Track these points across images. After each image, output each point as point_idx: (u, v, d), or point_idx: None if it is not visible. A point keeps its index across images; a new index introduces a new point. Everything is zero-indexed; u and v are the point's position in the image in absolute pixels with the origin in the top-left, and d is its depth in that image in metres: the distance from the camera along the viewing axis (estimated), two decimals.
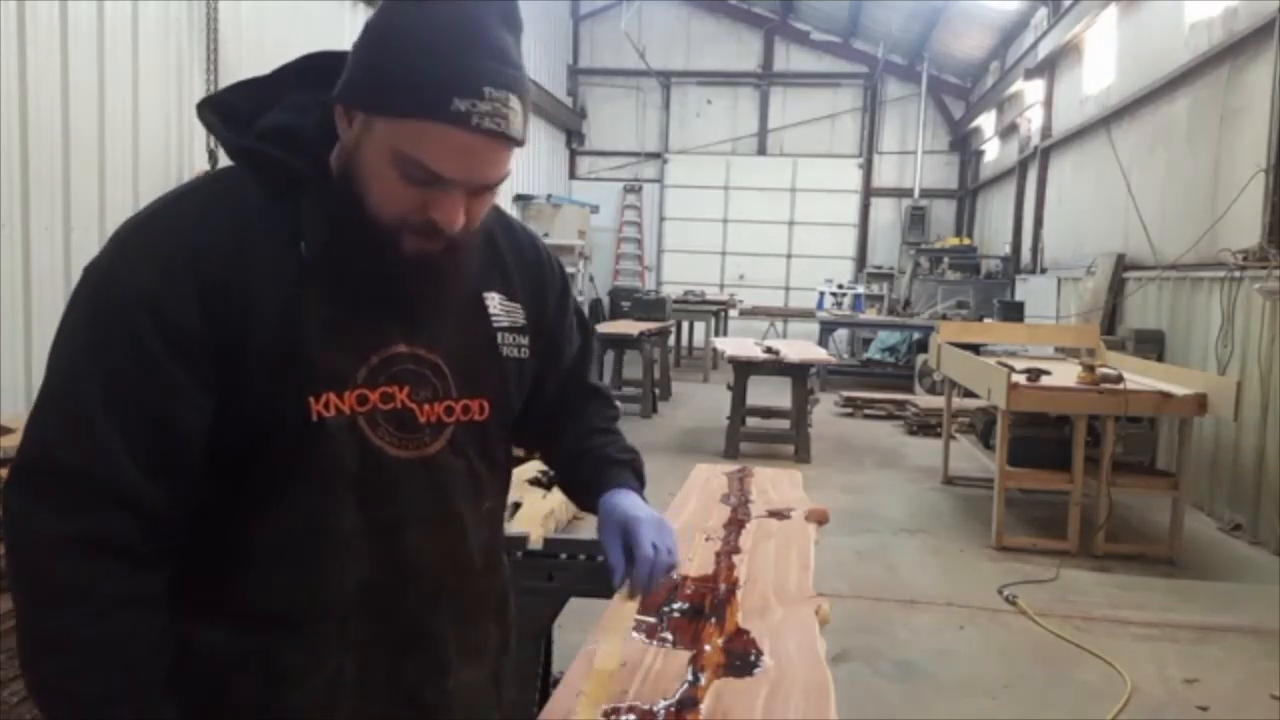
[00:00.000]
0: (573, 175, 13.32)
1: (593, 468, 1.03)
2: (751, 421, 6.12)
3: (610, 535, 0.96)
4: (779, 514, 1.90)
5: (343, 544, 0.83)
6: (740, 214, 13.13)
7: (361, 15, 6.58)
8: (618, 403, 1.16)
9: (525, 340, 0.96)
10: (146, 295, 0.76)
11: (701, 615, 1.32)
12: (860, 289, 10.55)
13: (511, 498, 3.26)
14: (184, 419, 0.77)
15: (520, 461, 3.72)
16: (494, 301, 0.94)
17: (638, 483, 1.04)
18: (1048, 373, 4.13)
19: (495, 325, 0.93)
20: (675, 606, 1.34)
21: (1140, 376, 4.15)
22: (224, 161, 0.88)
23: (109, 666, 0.74)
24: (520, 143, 0.79)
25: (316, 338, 0.80)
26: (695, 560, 1.58)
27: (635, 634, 1.22)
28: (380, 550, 0.85)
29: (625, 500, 0.99)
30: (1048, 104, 8.82)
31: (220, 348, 0.77)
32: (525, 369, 0.96)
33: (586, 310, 1.11)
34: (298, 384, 0.79)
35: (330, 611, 0.84)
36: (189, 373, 0.77)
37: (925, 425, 6.69)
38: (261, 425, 0.80)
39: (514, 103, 0.76)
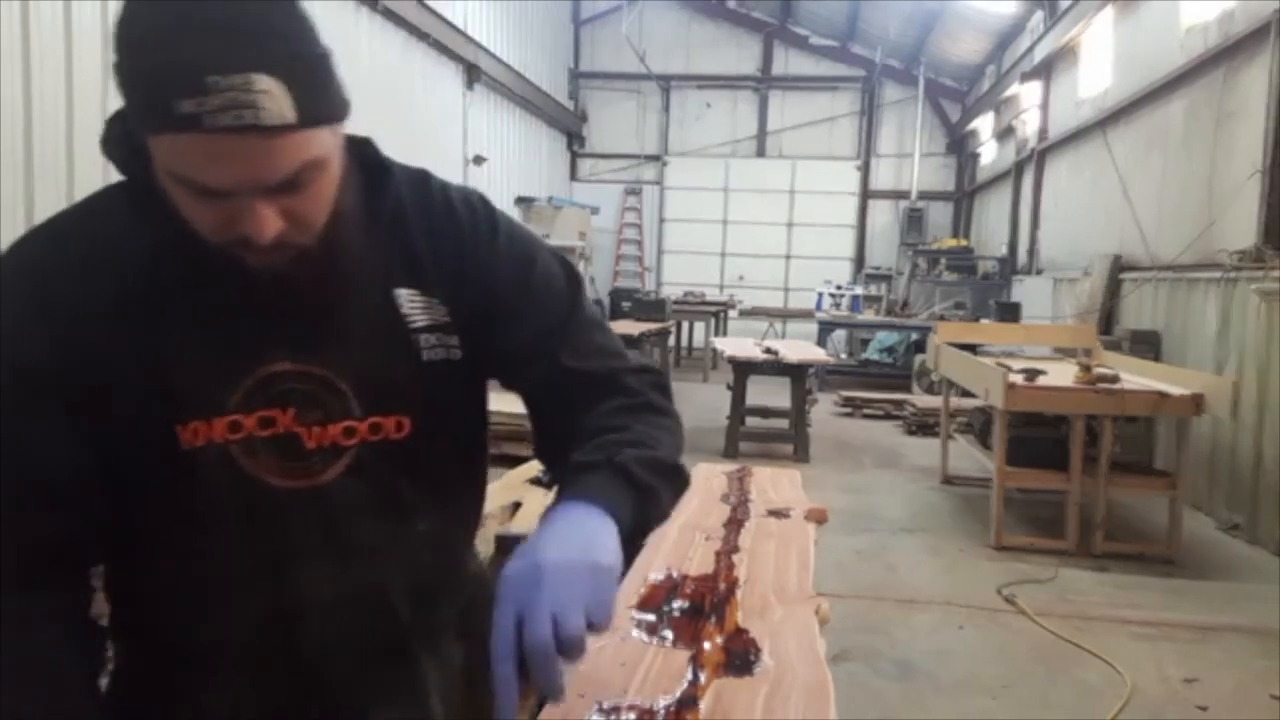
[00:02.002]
0: (573, 177, 13.33)
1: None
2: (751, 421, 6.13)
3: (499, 599, 0.66)
4: (779, 513, 1.91)
5: (228, 583, 0.78)
6: (739, 216, 13.14)
7: (365, 16, 6.59)
8: (644, 371, 0.85)
9: (453, 338, 0.82)
10: (2, 334, 0.72)
11: (701, 614, 1.33)
12: (858, 290, 10.57)
13: (512, 497, 3.27)
14: (54, 454, 0.73)
15: (519, 462, 3.72)
16: (405, 299, 0.80)
17: (608, 482, 0.73)
18: (1045, 373, 4.14)
19: (411, 327, 0.80)
20: (675, 606, 1.35)
21: (1137, 376, 4.16)
22: None
23: (10, 686, 0.70)
24: (295, 125, 0.64)
25: (181, 362, 0.73)
26: (695, 560, 1.58)
27: (635, 633, 1.23)
28: (270, 589, 0.78)
29: (541, 537, 0.69)
30: (1044, 107, 8.83)
31: (81, 382, 0.73)
32: (459, 371, 0.82)
33: None
34: (164, 413, 0.74)
35: (225, 651, 0.80)
36: (51, 409, 0.73)
37: (923, 425, 6.70)
38: (133, 459, 0.75)
39: (262, 83, 0.62)
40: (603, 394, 0.83)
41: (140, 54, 0.63)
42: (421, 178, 0.85)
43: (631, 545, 0.74)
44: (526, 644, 0.63)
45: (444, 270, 0.82)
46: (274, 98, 0.62)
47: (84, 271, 0.74)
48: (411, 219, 0.82)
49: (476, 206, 0.85)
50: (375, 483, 0.80)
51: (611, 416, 0.81)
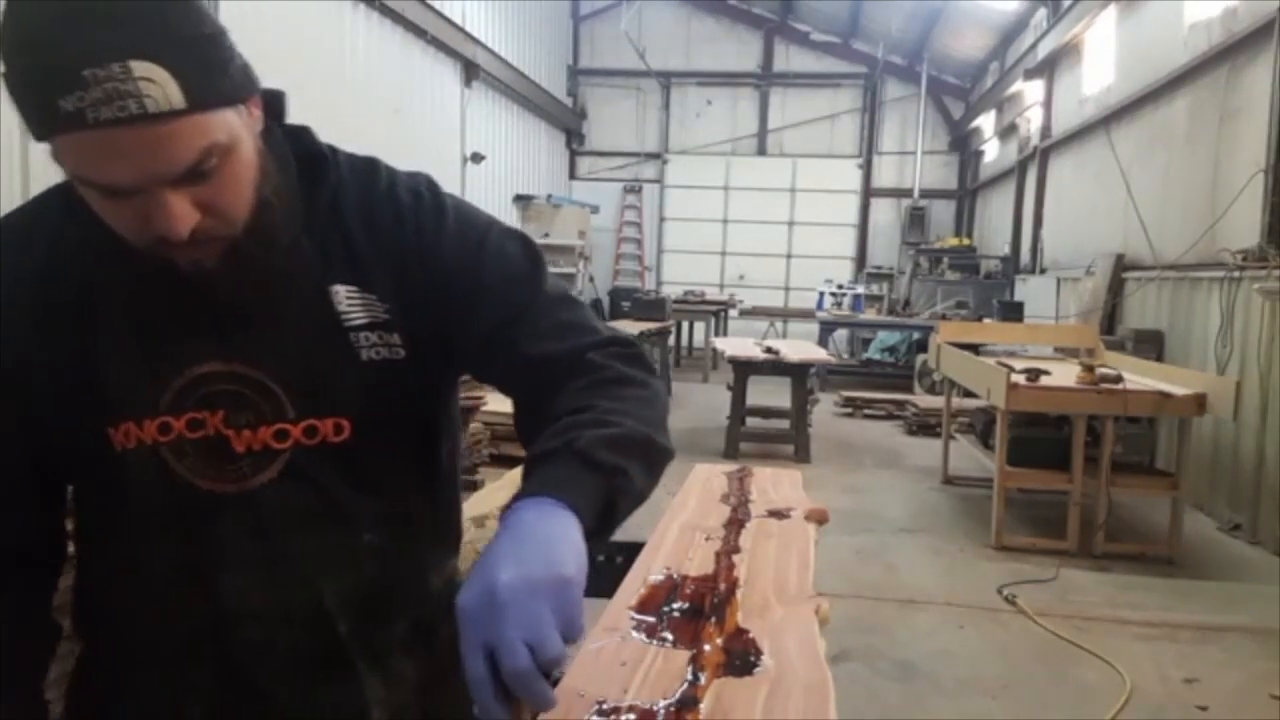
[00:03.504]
0: (573, 175, 13.32)
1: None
2: (751, 421, 6.12)
3: (461, 634, 0.59)
4: (779, 514, 1.90)
5: (158, 587, 0.77)
6: (740, 214, 13.13)
7: (362, 15, 6.58)
8: (613, 343, 0.78)
9: (394, 336, 0.77)
10: None
11: (701, 615, 1.32)
12: (860, 289, 10.56)
13: (510, 497, 3.26)
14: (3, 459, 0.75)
15: (518, 462, 3.73)
16: (342, 296, 0.76)
17: (567, 470, 0.65)
18: (1047, 373, 4.13)
19: (348, 325, 0.76)
20: (675, 606, 1.34)
21: (1139, 376, 4.15)
22: None
23: None
24: (185, 110, 0.61)
25: (112, 363, 0.73)
26: (695, 560, 1.58)
27: (635, 633, 1.22)
28: (198, 595, 0.76)
29: (495, 551, 0.61)
30: (1047, 104, 8.82)
31: (14, 386, 0.73)
32: (402, 371, 0.78)
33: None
34: (96, 415, 0.73)
35: (158, 654, 0.79)
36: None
37: (925, 425, 6.69)
38: (71, 461, 0.77)
39: (141, 69, 0.59)
40: (568, 375, 0.76)
41: (20, 58, 0.60)
42: (368, 166, 0.81)
43: (603, 533, 0.68)
44: (507, 676, 0.57)
45: (385, 264, 0.77)
46: (158, 84, 0.59)
47: (14, 276, 0.74)
48: (351, 210, 0.78)
49: (422, 193, 0.80)
50: (312, 489, 0.77)
51: (575, 397, 0.73)
